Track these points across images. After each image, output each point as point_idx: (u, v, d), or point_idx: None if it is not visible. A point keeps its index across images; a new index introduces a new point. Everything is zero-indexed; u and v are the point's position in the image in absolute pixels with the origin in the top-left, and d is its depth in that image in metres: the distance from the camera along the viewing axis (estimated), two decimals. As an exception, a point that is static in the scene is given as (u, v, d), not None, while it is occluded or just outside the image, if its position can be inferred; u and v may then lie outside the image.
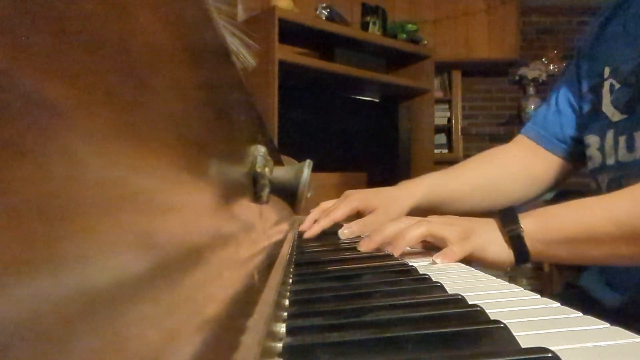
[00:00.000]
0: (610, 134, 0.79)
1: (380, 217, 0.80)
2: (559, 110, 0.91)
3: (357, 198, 0.86)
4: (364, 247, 0.67)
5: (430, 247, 0.66)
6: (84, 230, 0.11)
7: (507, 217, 0.64)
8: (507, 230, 0.62)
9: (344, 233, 0.78)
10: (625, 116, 0.76)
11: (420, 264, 0.58)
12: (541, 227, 0.63)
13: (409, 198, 0.87)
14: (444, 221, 0.65)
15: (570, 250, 0.63)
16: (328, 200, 0.90)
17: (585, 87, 0.86)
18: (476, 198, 0.92)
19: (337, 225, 0.83)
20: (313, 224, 0.84)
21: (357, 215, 0.86)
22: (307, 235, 0.82)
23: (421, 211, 0.86)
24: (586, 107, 0.86)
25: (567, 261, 0.68)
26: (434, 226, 0.63)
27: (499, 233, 0.63)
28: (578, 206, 0.64)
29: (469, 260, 0.62)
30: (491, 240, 0.63)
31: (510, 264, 0.64)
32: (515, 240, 0.62)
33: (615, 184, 0.77)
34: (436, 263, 0.59)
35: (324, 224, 0.82)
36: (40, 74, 0.09)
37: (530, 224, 0.62)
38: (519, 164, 0.94)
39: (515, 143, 0.97)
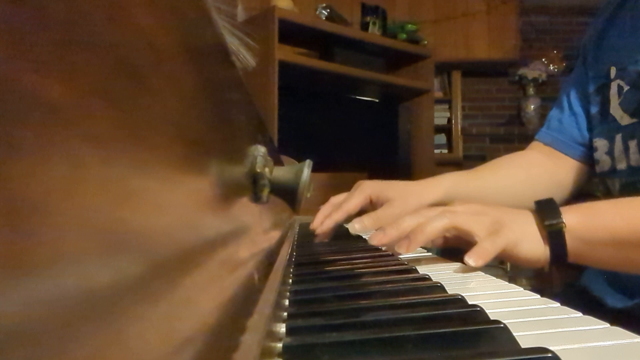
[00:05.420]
0: (619, 138, 0.76)
1: (396, 210, 0.72)
2: (574, 112, 0.88)
3: (371, 186, 0.79)
4: (376, 240, 0.60)
5: (452, 243, 0.60)
6: (83, 230, 0.11)
7: (546, 209, 0.56)
8: (546, 224, 0.55)
9: (355, 227, 0.71)
10: (635, 120, 0.74)
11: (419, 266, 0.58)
12: (586, 223, 0.55)
13: (430, 194, 0.80)
14: (471, 210, 0.57)
15: (617, 254, 0.56)
16: (338, 195, 0.83)
17: (591, 87, 0.83)
18: (500, 201, 0.86)
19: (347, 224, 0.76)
20: (324, 220, 0.76)
21: (371, 206, 0.79)
22: (319, 231, 0.74)
23: None
24: (594, 109, 0.83)
25: (610, 266, 0.61)
26: (460, 217, 0.56)
27: (535, 227, 0.56)
28: (629, 204, 0.57)
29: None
30: (525, 234, 0.55)
31: (544, 263, 0.56)
32: (555, 237, 0.55)
33: (631, 189, 0.75)
34: (469, 264, 0.51)
35: (337, 217, 0.75)
36: (40, 73, 0.09)
37: (573, 220, 0.55)
38: (541, 169, 0.89)
39: (532, 149, 0.93)
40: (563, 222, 0.55)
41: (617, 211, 0.57)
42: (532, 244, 0.55)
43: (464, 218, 0.56)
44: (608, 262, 0.60)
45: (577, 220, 0.55)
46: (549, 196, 0.89)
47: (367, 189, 0.79)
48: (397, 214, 0.68)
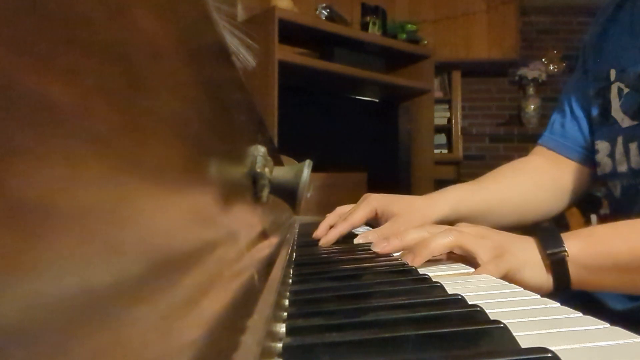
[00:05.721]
0: (620, 140, 0.76)
1: (400, 226, 0.72)
2: (575, 116, 0.88)
3: (377, 199, 0.79)
4: (379, 248, 0.60)
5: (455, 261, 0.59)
6: (83, 230, 0.11)
7: (548, 237, 0.56)
8: (548, 252, 0.55)
9: (359, 242, 0.71)
10: (635, 122, 0.74)
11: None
12: (588, 251, 0.56)
13: (435, 210, 0.79)
14: (476, 233, 0.57)
15: (620, 279, 0.56)
16: (345, 205, 0.83)
17: (592, 90, 0.84)
18: (506, 211, 0.86)
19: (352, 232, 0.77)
20: (329, 230, 0.75)
21: (376, 219, 0.80)
22: (323, 242, 0.73)
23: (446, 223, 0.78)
24: (594, 112, 0.83)
25: (615, 290, 0.61)
26: (465, 237, 0.55)
27: (538, 254, 0.56)
28: (629, 228, 0.57)
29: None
30: (528, 261, 0.56)
31: (547, 290, 0.56)
32: (557, 265, 0.55)
33: (632, 191, 0.75)
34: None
35: (342, 229, 0.74)
36: (40, 73, 0.09)
37: (575, 248, 0.55)
38: (545, 174, 0.89)
39: (535, 154, 0.93)
40: (565, 251, 0.55)
41: (618, 236, 0.57)
42: (534, 272, 0.56)
43: (469, 239, 0.56)
44: (612, 287, 0.60)
45: (579, 248, 0.55)
46: (555, 202, 0.89)
47: (374, 201, 0.79)
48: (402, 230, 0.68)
